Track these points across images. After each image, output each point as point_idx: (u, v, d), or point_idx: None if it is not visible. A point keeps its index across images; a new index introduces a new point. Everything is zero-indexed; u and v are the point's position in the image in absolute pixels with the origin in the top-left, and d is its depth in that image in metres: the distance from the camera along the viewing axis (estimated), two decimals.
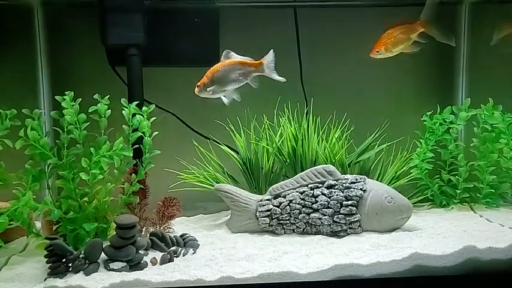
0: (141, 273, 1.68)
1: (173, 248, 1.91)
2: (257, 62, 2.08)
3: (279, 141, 2.33)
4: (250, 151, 2.36)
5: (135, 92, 2.24)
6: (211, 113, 2.50)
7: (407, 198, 2.10)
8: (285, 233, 2.08)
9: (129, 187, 2.04)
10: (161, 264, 1.77)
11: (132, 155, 2.01)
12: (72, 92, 1.95)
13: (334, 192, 2.05)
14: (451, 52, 2.63)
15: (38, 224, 2.05)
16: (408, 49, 2.33)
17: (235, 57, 2.09)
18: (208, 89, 2.02)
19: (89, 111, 1.96)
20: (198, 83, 2.07)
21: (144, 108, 2.06)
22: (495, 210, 2.38)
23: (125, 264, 1.72)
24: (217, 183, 2.27)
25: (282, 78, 2.08)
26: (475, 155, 2.44)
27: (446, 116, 2.42)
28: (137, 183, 2.05)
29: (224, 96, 2.09)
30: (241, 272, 1.65)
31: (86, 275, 1.66)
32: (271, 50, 2.07)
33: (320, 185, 2.08)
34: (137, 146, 2.04)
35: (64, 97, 1.93)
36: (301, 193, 2.08)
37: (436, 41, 2.62)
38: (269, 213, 2.08)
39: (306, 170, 2.13)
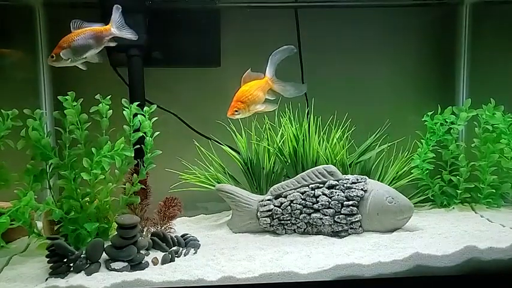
0: (143, 273, 1.68)
1: (174, 248, 1.91)
2: (107, 26, 2.01)
3: (280, 141, 2.34)
4: (251, 151, 2.37)
5: (136, 92, 2.25)
6: (212, 113, 2.50)
7: (408, 199, 2.10)
8: (286, 233, 2.08)
9: (131, 187, 2.05)
10: (162, 264, 1.77)
11: (133, 155, 2.02)
12: (74, 92, 1.95)
13: (335, 192, 2.05)
14: (452, 52, 2.63)
15: (40, 224, 2.05)
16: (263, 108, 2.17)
17: (87, 26, 2.00)
18: (65, 57, 1.95)
19: (91, 111, 1.96)
20: (52, 53, 1.97)
21: (145, 108, 2.07)
22: (496, 210, 2.38)
23: (126, 264, 1.72)
24: (219, 183, 2.28)
25: (133, 36, 2.02)
26: (476, 155, 2.44)
27: (447, 117, 2.42)
28: (138, 183, 2.06)
29: (82, 63, 2.00)
30: (243, 272, 1.65)
31: (87, 275, 1.66)
32: (115, 7, 1.98)
33: (321, 185, 2.08)
34: (138, 146, 2.05)
35: (66, 97, 1.94)
36: (302, 193, 2.08)
37: (436, 41, 2.64)
38: (270, 213, 2.08)
39: (307, 170, 2.13)
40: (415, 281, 1.65)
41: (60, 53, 1.94)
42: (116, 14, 1.99)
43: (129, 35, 2.02)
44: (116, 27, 1.99)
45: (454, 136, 2.43)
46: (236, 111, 2.08)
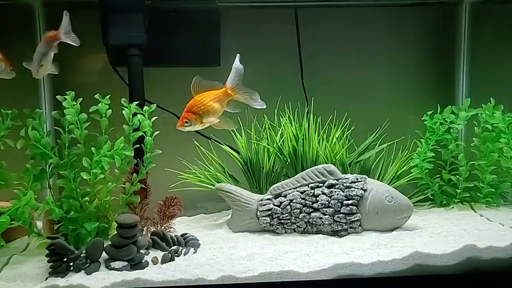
0: (142, 273, 1.68)
1: (174, 247, 1.91)
2: (55, 31, 1.93)
3: (279, 141, 2.34)
4: (251, 151, 2.37)
5: (136, 92, 2.25)
6: None
7: (408, 198, 2.10)
8: (285, 232, 2.08)
9: (130, 187, 2.05)
10: (162, 263, 1.77)
11: (133, 154, 2.02)
12: (73, 92, 1.95)
13: (335, 191, 2.05)
14: (451, 52, 2.63)
15: (39, 224, 2.05)
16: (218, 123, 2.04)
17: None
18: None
19: (90, 110, 1.97)
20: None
21: (145, 108, 2.07)
22: (495, 209, 2.38)
23: (126, 263, 1.72)
24: (218, 182, 2.28)
25: (75, 42, 1.92)
26: (476, 155, 2.44)
27: (446, 116, 2.42)
28: (138, 183, 2.06)
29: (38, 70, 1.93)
30: (242, 271, 1.65)
31: (87, 274, 1.66)
32: (64, 12, 1.90)
33: (321, 185, 2.08)
34: (138, 145, 2.05)
35: (65, 97, 1.94)
36: (302, 192, 2.08)
37: (436, 41, 2.64)
38: (270, 212, 2.09)
39: (307, 170, 2.13)
40: (414, 280, 1.66)
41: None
42: (65, 20, 1.92)
43: (73, 42, 1.93)
44: (62, 34, 1.91)
45: (453, 135, 2.43)
46: (186, 122, 1.95)
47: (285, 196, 2.10)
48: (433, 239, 1.89)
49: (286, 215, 2.07)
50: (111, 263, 1.72)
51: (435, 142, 2.43)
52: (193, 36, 2.45)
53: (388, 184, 2.25)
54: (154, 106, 2.09)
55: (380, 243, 1.85)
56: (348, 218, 2.01)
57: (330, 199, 2.04)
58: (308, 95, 2.53)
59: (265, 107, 2.05)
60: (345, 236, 2.01)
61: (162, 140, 2.13)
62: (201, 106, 1.94)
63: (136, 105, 2.05)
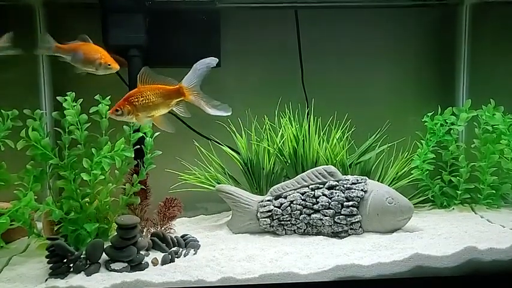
0: (142, 274, 1.68)
1: (174, 248, 1.91)
2: None
3: (280, 142, 2.34)
4: (251, 152, 2.36)
5: None
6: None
7: (408, 199, 2.10)
8: (285, 233, 2.08)
9: (130, 188, 2.05)
10: (162, 264, 1.77)
11: (133, 155, 2.02)
12: (74, 93, 1.95)
13: (335, 193, 2.05)
14: (452, 53, 2.63)
15: (39, 225, 2.05)
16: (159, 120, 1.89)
17: None
18: None
19: (90, 111, 1.96)
20: None
21: None
22: (496, 211, 2.37)
23: (126, 264, 1.72)
24: (218, 184, 2.27)
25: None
26: (476, 156, 2.44)
27: (447, 117, 2.42)
28: (138, 184, 2.06)
29: None
30: (242, 273, 1.65)
31: (87, 276, 1.66)
32: None
33: (321, 186, 2.08)
34: (138, 146, 2.05)
35: (65, 98, 1.94)
36: (302, 194, 2.08)
37: (436, 42, 2.64)
38: (270, 214, 2.08)
39: (307, 171, 2.13)
40: (415, 281, 1.65)
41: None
42: None
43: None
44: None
45: (454, 137, 2.43)
46: (117, 110, 1.81)
47: (285, 197, 2.10)
48: (434, 240, 1.88)
49: (287, 216, 2.07)
50: (111, 264, 1.72)
51: (436, 143, 2.43)
52: (194, 37, 2.45)
53: (389, 185, 2.25)
54: None
55: (380, 244, 1.85)
56: (349, 219, 2.01)
57: (330, 200, 2.04)
58: (308, 96, 2.52)
59: (226, 114, 1.91)
60: (345, 237, 2.01)
61: (162, 141, 2.13)
62: (140, 98, 1.81)
63: None
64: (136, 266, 1.73)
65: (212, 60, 1.89)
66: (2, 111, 1.93)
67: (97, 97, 1.99)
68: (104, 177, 1.96)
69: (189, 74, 1.87)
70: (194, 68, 1.89)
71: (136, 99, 1.81)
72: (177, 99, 1.87)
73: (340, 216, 2.02)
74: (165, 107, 1.86)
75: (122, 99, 1.83)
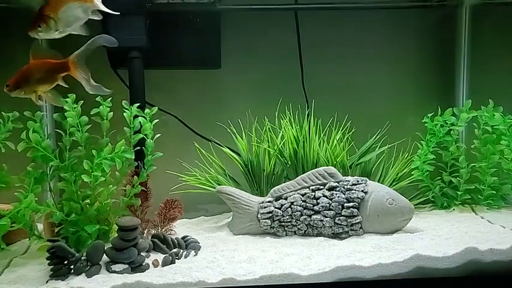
0: (143, 275, 1.68)
1: (175, 250, 1.91)
2: None
3: (280, 143, 2.34)
4: (251, 153, 2.37)
5: (137, 94, 2.25)
6: (212, 115, 2.50)
7: (409, 200, 2.10)
8: (286, 235, 2.08)
9: (131, 189, 2.05)
10: (163, 266, 1.77)
11: (133, 157, 2.02)
12: (74, 95, 1.95)
13: (336, 194, 2.05)
14: (452, 54, 2.63)
15: (40, 226, 2.05)
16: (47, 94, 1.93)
17: None
18: (53, 29, 1.82)
19: (91, 113, 1.97)
20: (40, 23, 1.85)
21: (146, 110, 2.07)
22: (496, 211, 2.37)
23: (126, 266, 1.72)
24: (219, 185, 2.27)
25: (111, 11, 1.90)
26: (476, 157, 2.44)
27: (447, 118, 2.42)
28: (139, 185, 2.06)
29: None
30: (243, 274, 1.65)
31: (88, 277, 1.67)
32: None
33: (321, 187, 2.08)
34: (139, 148, 2.05)
35: (66, 99, 1.94)
36: (303, 195, 2.08)
37: (436, 43, 2.64)
38: (270, 215, 2.08)
39: (308, 172, 2.13)
40: (415, 282, 1.65)
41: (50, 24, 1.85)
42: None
43: (108, 9, 1.89)
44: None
45: (454, 137, 2.43)
46: (7, 86, 1.87)
47: (285, 198, 2.10)
48: (434, 241, 1.88)
49: (287, 217, 2.07)
50: (111, 266, 1.72)
51: (436, 144, 2.43)
52: (194, 39, 2.45)
53: (389, 186, 2.25)
54: (155, 109, 2.09)
55: (381, 245, 1.85)
56: (349, 220, 2.01)
57: (330, 201, 2.04)
58: (308, 97, 2.53)
59: (103, 93, 1.93)
60: (346, 238, 2.01)
61: (163, 143, 2.13)
62: (34, 73, 1.87)
63: (137, 107, 2.05)
64: (137, 267, 1.74)
65: (111, 39, 1.91)
66: (3, 113, 1.93)
67: (98, 99, 1.99)
68: (104, 178, 1.96)
69: (82, 49, 1.89)
70: (90, 43, 1.89)
71: (31, 75, 1.86)
72: (64, 73, 1.90)
73: (341, 217, 2.02)
74: (51, 78, 1.90)
75: (13, 76, 1.87)
